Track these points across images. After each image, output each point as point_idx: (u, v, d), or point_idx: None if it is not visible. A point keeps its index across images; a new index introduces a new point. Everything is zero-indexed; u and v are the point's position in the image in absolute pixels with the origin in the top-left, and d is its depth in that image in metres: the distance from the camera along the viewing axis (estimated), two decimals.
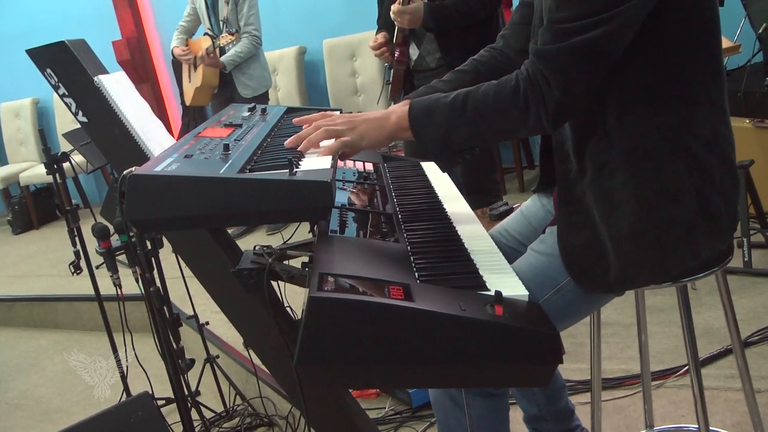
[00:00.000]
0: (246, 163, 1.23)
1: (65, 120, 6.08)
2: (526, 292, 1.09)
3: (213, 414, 2.56)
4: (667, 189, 1.20)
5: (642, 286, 1.37)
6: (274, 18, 5.28)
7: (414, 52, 3.07)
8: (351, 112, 2.55)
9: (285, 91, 5.30)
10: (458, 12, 2.88)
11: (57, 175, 2.58)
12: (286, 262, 1.33)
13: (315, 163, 1.24)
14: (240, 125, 1.59)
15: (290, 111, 1.87)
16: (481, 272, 1.15)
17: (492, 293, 1.04)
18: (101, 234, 2.02)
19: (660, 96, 1.20)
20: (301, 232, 1.70)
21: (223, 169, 1.16)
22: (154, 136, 1.73)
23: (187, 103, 4.66)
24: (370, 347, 0.98)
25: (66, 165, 2.60)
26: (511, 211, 2.90)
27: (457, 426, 1.39)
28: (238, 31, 4.29)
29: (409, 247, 1.24)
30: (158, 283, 1.84)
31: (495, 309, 1.00)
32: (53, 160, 2.56)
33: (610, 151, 1.22)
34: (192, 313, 2.47)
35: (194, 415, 2.32)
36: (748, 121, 3.04)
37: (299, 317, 1.02)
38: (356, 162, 1.77)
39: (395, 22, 2.97)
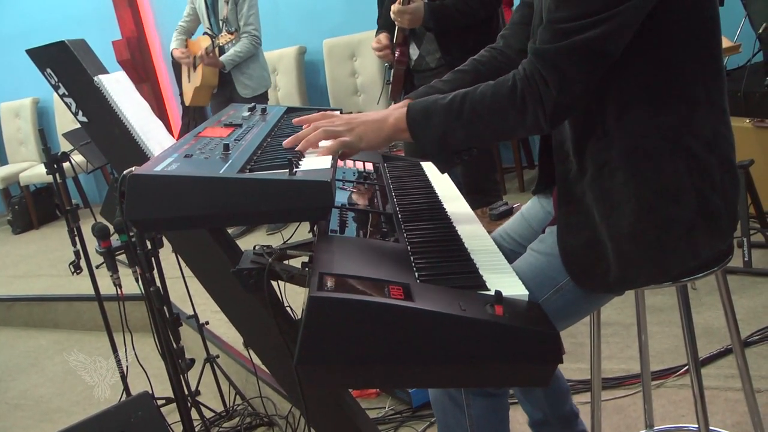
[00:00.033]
0: (246, 163, 1.23)
1: (65, 120, 6.09)
2: (526, 292, 1.09)
3: (213, 414, 2.56)
4: (667, 189, 1.20)
5: (642, 286, 1.37)
6: (274, 18, 5.28)
7: (414, 51, 3.07)
8: (351, 112, 2.55)
9: (285, 91, 5.30)
10: (458, 12, 2.88)
11: (57, 174, 2.59)
12: (286, 261, 1.33)
13: (315, 163, 1.24)
14: (240, 125, 1.59)
15: (290, 111, 1.87)
16: (481, 272, 1.15)
17: (492, 293, 1.04)
18: (101, 234, 2.02)
19: (660, 96, 1.20)
20: (301, 232, 1.70)
21: (223, 169, 1.16)
22: (154, 136, 1.73)
23: (187, 103, 4.66)
24: (370, 347, 0.98)
25: (66, 165, 2.60)
26: (511, 210, 2.89)
27: (456, 426, 1.39)
28: (238, 30, 4.29)
29: (409, 247, 1.24)
30: (158, 283, 1.84)
31: (495, 309, 1.01)
32: (53, 160, 2.56)
33: (610, 151, 1.22)
34: (192, 313, 2.47)
35: (194, 414, 2.32)
36: (748, 121, 3.04)
37: (299, 317, 1.02)
38: (356, 162, 1.77)
39: (395, 22, 2.97)
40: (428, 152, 1.32)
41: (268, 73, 4.62)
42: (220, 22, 4.41)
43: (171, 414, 2.43)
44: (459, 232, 1.35)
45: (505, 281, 1.13)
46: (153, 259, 1.80)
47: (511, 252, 1.52)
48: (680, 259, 1.24)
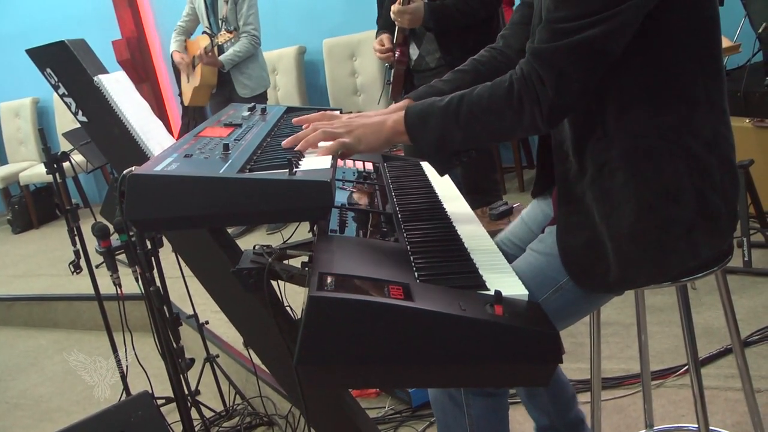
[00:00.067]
0: (246, 163, 1.22)
1: (65, 119, 6.08)
2: (526, 292, 1.09)
3: (213, 413, 2.56)
4: (667, 189, 1.20)
5: (642, 286, 1.37)
6: (274, 18, 5.28)
7: (414, 52, 3.07)
8: (351, 112, 2.55)
9: (285, 90, 5.30)
10: (458, 12, 2.88)
11: (57, 174, 2.59)
12: (285, 261, 1.33)
13: (315, 162, 1.24)
14: (240, 125, 1.59)
15: (290, 111, 1.87)
16: (480, 272, 1.15)
17: (492, 293, 1.04)
18: (101, 233, 2.02)
19: (660, 96, 1.20)
20: (301, 232, 1.70)
21: (222, 168, 1.16)
22: (154, 136, 1.73)
23: (185, 103, 4.66)
24: (370, 347, 0.98)
25: (66, 164, 2.60)
26: (511, 210, 2.90)
27: (456, 426, 1.39)
28: (237, 29, 4.28)
29: (408, 247, 1.24)
30: (158, 283, 1.84)
31: (495, 309, 1.00)
32: (53, 160, 2.56)
33: (610, 151, 1.22)
34: (192, 313, 2.47)
35: (194, 414, 2.32)
36: (748, 121, 3.03)
37: (299, 317, 1.02)
38: (356, 162, 1.77)
39: (395, 22, 2.97)
40: (426, 154, 1.33)
41: (267, 73, 4.62)
42: (220, 21, 4.41)
43: (171, 413, 2.43)
44: (459, 232, 1.35)
45: (504, 281, 1.13)
46: (153, 258, 1.80)
47: (513, 256, 1.52)
48: (680, 259, 1.24)
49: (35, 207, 6.36)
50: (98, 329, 3.07)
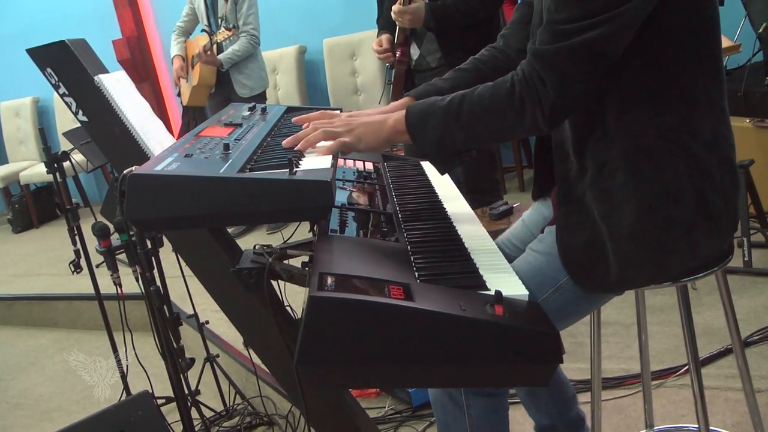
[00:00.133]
0: (246, 163, 1.22)
1: (65, 119, 6.09)
2: (526, 292, 1.09)
3: (213, 413, 2.56)
4: (667, 189, 1.20)
5: (642, 286, 1.37)
6: (274, 17, 5.28)
7: (415, 51, 3.07)
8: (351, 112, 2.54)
9: (285, 90, 5.30)
10: (459, 12, 2.88)
11: (57, 174, 2.59)
12: (286, 261, 1.33)
13: (315, 162, 1.24)
14: (240, 125, 1.59)
15: (290, 110, 1.87)
16: (481, 272, 1.15)
17: (492, 293, 1.04)
18: (101, 233, 2.02)
19: (660, 96, 1.20)
20: (301, 232, 1.70)
21: (223, 168, 1.16)
22: (154, 136, 1.73)
23: (184, 103, 4.65)
24: (370, 347, 0.98)
25: (66, 164, 2.60)
26: (511, 210, 2.89)
27: (456, 426, 1.39)
28: (236, 27, 4.27)
29: (409, 247, 1.24)
30: (158, 282, 1.84)
31: (495, 309, 1.00)
32: (53, 159, 2.56)
33: (610, 152, 1.22)
34: (192, 312, 2.47)
35: (194, 414, 2.32)
36: (748, 120, 3.03)
37: (299, 317, 1.02)
38: (356, 161, 1.77)
39: (396, 22, 2.97)
40: (427, 154, 1.33)
41: (266, 72, 4.61)
42: (219, 20, 4.40)
43: (171, 413, 2.43)
44: (459, 232, 1.35)
45: (505, 281, 1.13)
46: (153, 258, 1.79)
47: (514, 257, 1.52)
48: (680, 259, 1.24)
49: (35, 206, 6.36)
50: (98, 329, 3.07)
